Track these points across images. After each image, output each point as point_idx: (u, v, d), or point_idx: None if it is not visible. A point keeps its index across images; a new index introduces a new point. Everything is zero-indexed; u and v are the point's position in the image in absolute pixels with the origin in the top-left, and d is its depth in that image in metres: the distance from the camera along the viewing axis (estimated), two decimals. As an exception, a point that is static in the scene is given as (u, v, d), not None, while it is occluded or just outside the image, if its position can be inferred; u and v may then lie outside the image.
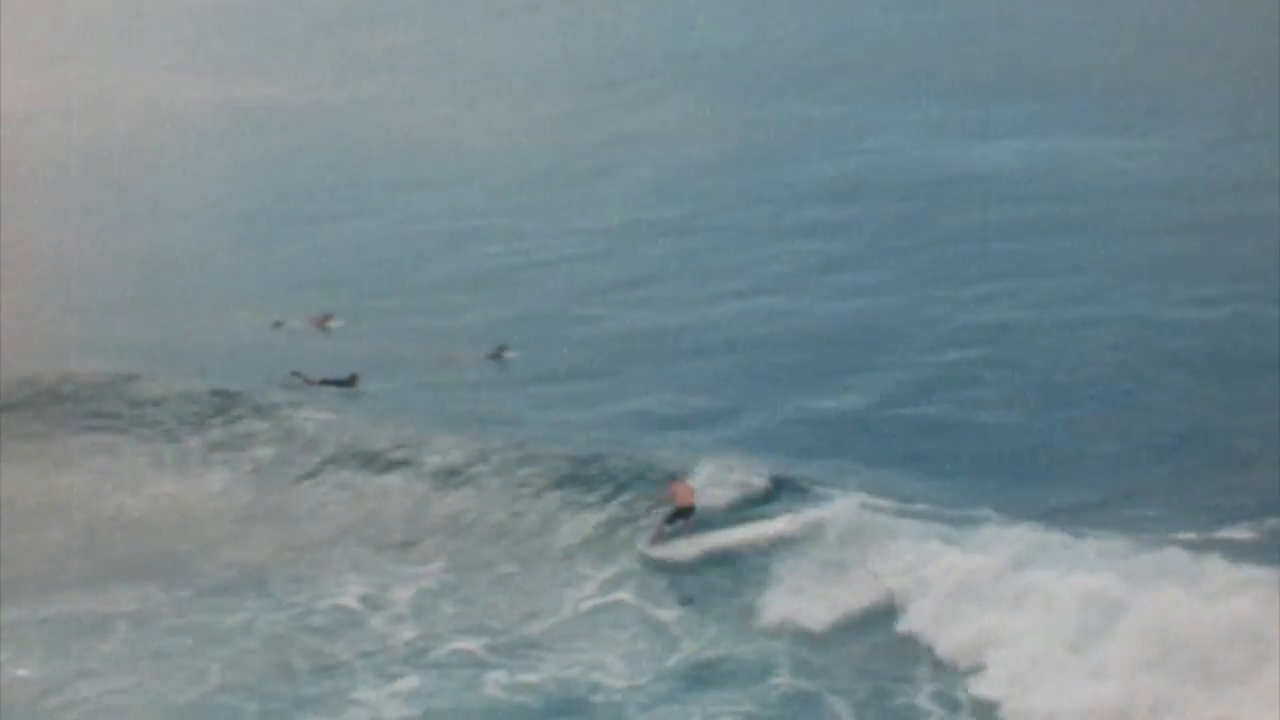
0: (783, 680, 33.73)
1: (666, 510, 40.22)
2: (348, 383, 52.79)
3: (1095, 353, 50.18)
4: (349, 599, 38.59)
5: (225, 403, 51.64)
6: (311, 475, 46.52)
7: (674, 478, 40.89)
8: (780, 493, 40.56)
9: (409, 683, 34.31)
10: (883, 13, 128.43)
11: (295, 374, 53.20)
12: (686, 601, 37.50)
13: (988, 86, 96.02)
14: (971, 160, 78.13)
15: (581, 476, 43.33)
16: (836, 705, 32.72)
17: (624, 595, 38.00)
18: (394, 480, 45.59)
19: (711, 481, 40.88)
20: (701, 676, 34.45)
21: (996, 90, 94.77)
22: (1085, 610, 32.98)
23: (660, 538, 39.87)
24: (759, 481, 40.96)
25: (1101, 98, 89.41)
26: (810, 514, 38.69)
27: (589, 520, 41.50)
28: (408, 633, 36.79)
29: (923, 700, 32.59)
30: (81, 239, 76.10)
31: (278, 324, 60.23)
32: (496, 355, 54.45)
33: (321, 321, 60.11)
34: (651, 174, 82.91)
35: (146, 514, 44.99)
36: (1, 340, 59.44)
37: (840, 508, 38.48)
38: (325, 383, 52.68)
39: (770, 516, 39.40)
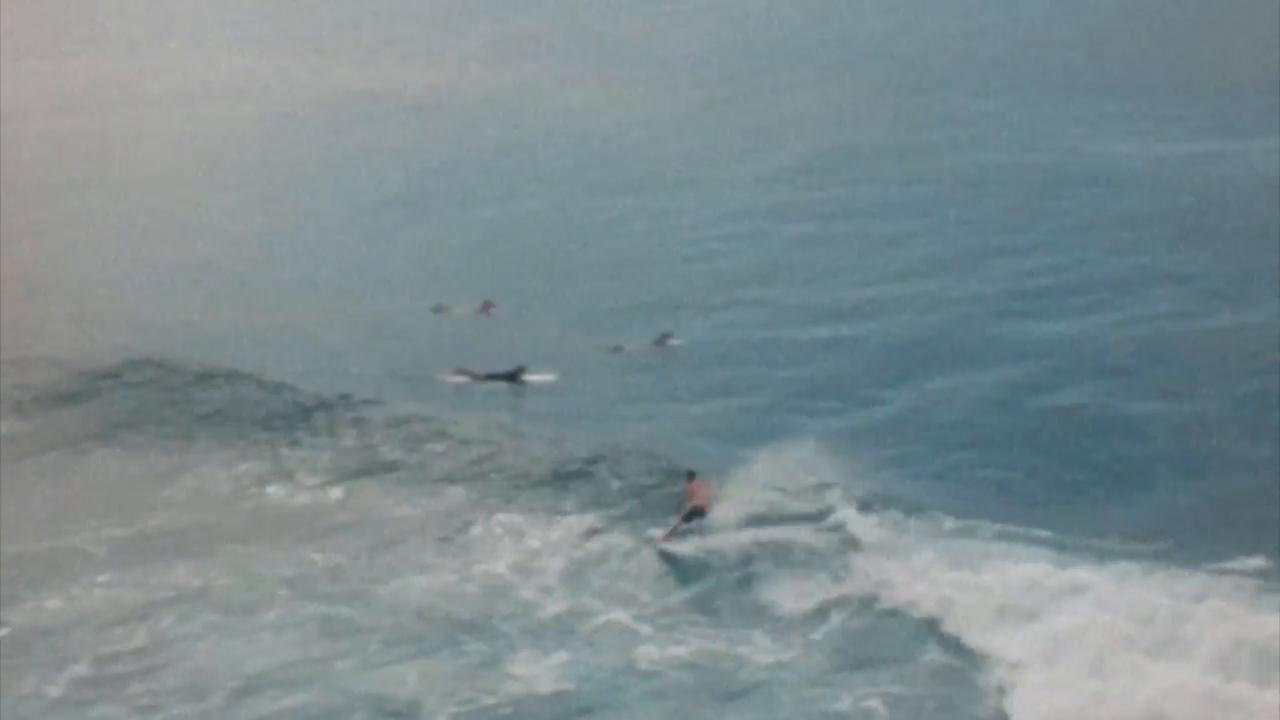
0: (932, 658, 33.75)
1: (684, 508, 39.80)
2: (513, 376, 51.69)
3: (1238, 358, 49.25)
4: (501, 566, 38.77)
5: (377, 385, 52.03)
6: (460, 442, 46.67)
7: (692, 475, 40.19)
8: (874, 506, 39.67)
9: (561, 655, 34.35)
10: (1032, 7, 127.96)
11: (459, 370, 52.16)
12: None
13: (1136, 83, 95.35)
14: (1116, 157, 77.50)
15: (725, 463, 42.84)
16: (984, 681, 32.76)
17: (768, 568, 37.94)
18: (539, 449, 45.70)
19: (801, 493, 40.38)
20: (847, 651, 34.36)
21: (1144, 87, 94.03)
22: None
23: (673, 534, 39.52)
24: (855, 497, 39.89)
25: (1250, 97, 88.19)
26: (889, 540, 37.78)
27: (730, 497, 40.90)
28: (558, 603, 36.82)
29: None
30: (227, 219, 77.11)
31: (437, 309, 59.51)
32: (661, 342, 53.87)
33: (483, 309, 58.97)
34: (798, 160, 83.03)
35: (299, 481, 45.47)
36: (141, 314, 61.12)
37: (927, 551, 36.92)
38: (490, 377, 51.68)
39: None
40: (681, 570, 38.45)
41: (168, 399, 51.44)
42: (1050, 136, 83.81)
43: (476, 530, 40.97)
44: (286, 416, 49.38)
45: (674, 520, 39.87)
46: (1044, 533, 37.28)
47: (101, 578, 39.12)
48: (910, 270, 61.43)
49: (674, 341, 53.97)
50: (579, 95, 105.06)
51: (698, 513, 39.75)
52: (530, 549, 39.76)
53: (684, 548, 39.18)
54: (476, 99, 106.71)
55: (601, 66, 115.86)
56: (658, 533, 39.72)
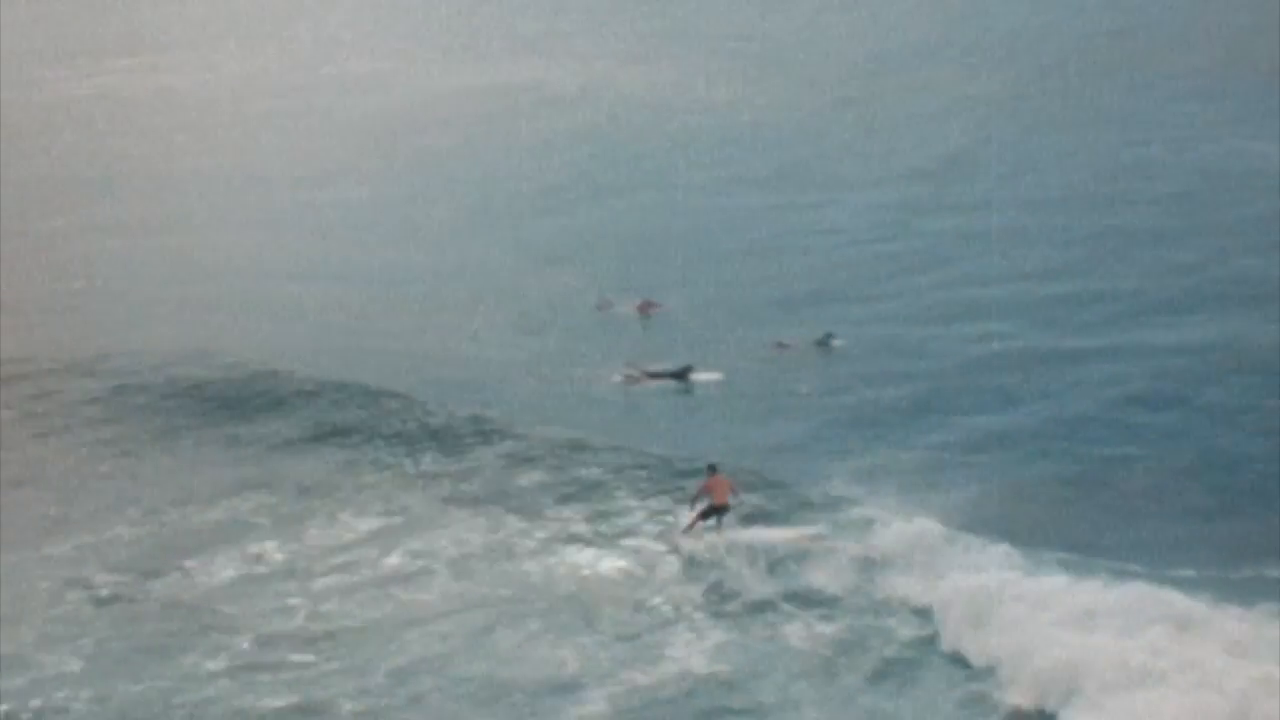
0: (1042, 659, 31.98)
1: (702, 503, 39.01)
2: (680, 375, 51.26)
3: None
4: (651, 546, 38.98)
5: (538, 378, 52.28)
6: (611, 429, 46.95)
7: (714, 469, 39.25)
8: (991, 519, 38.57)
9: (716, 635, 34.40)
10: (1180, 5, 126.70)
11: (628, 367, 51.82)
12: None
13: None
14: (1272, 156, 76.38)
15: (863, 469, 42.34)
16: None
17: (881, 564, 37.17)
18: (690, 440, 45.82)
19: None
20: (974, 637, 33.46)
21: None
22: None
23: (691, 529, 38.95)
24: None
25: None
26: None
27: (866, 504, 40.39)
28: (706, 582, 36.91)
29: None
30: (381, 214, 78.36)
31: (600, 306, 59.12)
32: (824, 343, 53.37)
33: (644, 307, 58.60)
34: (941, 155, 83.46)
35: (455, 460, 45.67)
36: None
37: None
38: (658, 375, 51.25)
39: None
40: (800, 558, 37.93)
41: (325, 380, 52.25)
42: (1203, 135, 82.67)
43: (623, 507, 41.25)
44: (445, 398, 49.91)
45: (690, 515, 39.26)
46: (1175, 554, 35.92)
47: (262, 552, 39.87)
48: (1059, 266, 61.22)
49: (836, 342, 53.46)
50: (724, 91, 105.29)
51: (716, 510, 38.99)
52: (672, 521, 39.97)
53: (699, 545, 38.74)
54: (623, 94, 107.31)
55: (747, 62, 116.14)
56: (687, 522, 39.29)
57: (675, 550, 38.83)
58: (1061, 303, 56.84)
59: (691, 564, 38.14)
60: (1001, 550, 36.14)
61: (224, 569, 39.17)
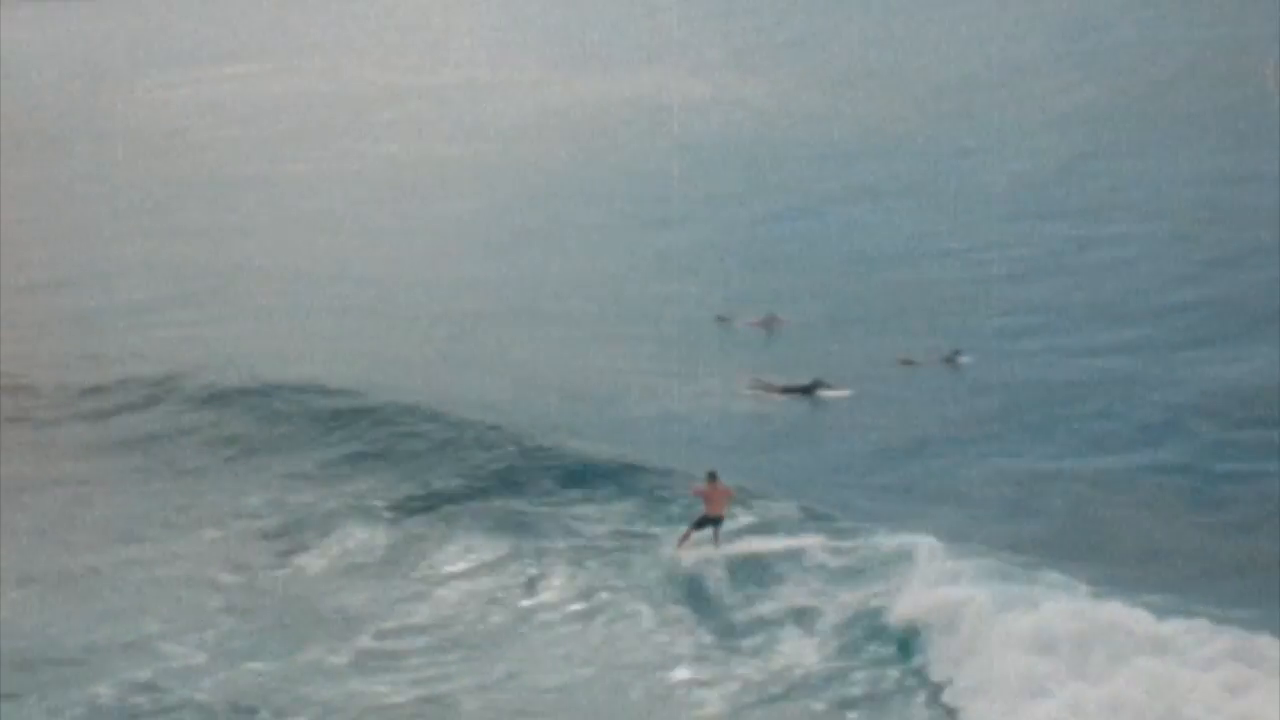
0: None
1: (696, 511, 38.51)
2: (809, 390, 51.01)
3: None
4: (754, 547, 38.72)
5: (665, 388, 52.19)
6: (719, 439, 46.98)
7: (714, 477, 38.39)
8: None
9: (822, 631, 34.31)
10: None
11: (755, 382, 51.68)
12: None
13: None
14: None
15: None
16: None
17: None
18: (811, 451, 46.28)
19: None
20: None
21: None
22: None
23: (685, 540, 38.42)
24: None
25: None
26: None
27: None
28: (809, 583, 36.62)
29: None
30: (495, 218, 79.32)
31: (720, 319, 59.15)
32: (951, 360, 53.01)
33: (767, 322, 58.48)
34: (1054, 163, 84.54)
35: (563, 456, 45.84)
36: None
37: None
38: (787, 390, 51.08)
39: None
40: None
41: (431, 386, 52.69)
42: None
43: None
44: (563, 404, 50.53)
45: (686, 528, 38.78)
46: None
47: (379, 544, 40.65)
48: (1178, 276, 61.75)
49: (963, 359, 53.11)
50: (843, 101, 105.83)
51: (711, 521, 38.40)
52: (763, 523, 40.03)
53: (700, 555, 38.41)
54: (742, 104, 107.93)
55: (866, 72, 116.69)
56: (681, 533, 38.91)
57: (671, 563, 38.43)
58: (1182, 313, 57.16)
59: (792, 563, 37.85)
60: (1081, 587, 34.10)
61: (343, 561, 39.82)
